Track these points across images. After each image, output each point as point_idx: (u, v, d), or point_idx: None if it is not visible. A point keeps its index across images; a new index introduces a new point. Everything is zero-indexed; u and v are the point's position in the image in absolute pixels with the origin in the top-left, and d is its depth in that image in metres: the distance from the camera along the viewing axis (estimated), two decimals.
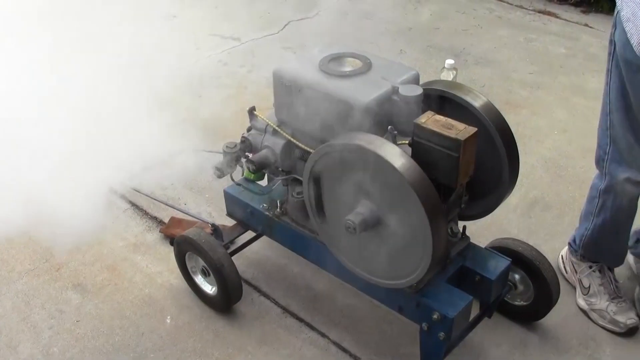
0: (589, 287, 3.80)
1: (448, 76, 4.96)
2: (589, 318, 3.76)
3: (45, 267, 4.13)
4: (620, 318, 3.66)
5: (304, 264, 3.93)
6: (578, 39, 6.86)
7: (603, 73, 6.08)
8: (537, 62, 6.40)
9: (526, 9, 7.63)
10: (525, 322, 3.71)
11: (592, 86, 5.95)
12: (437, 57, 6.41)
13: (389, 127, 2.86)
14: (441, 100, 3.03)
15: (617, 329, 3.67)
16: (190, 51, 6.68)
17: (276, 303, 3.87)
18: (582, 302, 3.81)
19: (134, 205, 4.61)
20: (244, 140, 3.47)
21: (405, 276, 2.90)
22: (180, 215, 4.40)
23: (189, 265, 3.80)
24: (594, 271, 3.82)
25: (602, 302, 3.72)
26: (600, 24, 7.20)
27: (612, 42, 3.26)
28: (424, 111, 2.85)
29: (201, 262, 3.70)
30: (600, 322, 3.72)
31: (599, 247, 3.80)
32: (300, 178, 3.21)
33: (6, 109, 4.68)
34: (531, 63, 6.38)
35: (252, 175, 3.63)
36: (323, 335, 3.68)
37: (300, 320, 3.77)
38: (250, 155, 3.43)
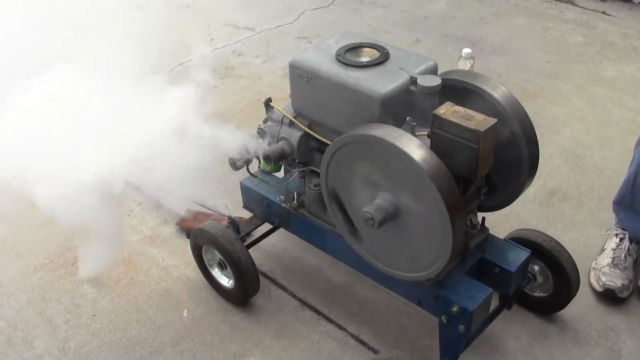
0: (605, 248, 3.92)
1: (465, 65, 4.93)
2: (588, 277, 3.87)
3: (60, 260, 4.12)
4: (604, 278, 3.74)
5: (322, 256, 3.91)
6: (595, 27, 6.80)
7: (621, 61, 6.07)
8: (554, 50, 6.35)
9: None
10: (545, 313, 3.68)
11: (610, 75, 5.90)
12: (453, 46, 6.36)
13: (408, 118, 2.83)
14: (459, 90, 2.99)
15: (596, 287, 3.77)
16: (204, 42, 6.65)
17: (293, 296, 3.85)
18: (593, 263, 3.91)
19: (149, 197, 4.59)
20: (260, 131, 3.44)
21: (424, 269, 2.87)
22: (196, 208, 4.38)
23: (205, 259, 3.79)
24: (616, 235, 3.93)
25: (603, 262, 3.82)
26: (618, 12, 7.12)
27: None
28: (442, 102, 2.81)
29: (218, 255, 3.68)
30: (591, 280, 3.84)
31: (620, 205, 3.93)
32: (318, 170, 3.18)
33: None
34: (548, 52, 6.33)
35: (269, 167, 3.60)
36: (341, 328, 3.66)
37: (318, 313, 3.75)
38: (267, 147, 3.40)
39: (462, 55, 4.98)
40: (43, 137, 4.59)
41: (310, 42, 6.55)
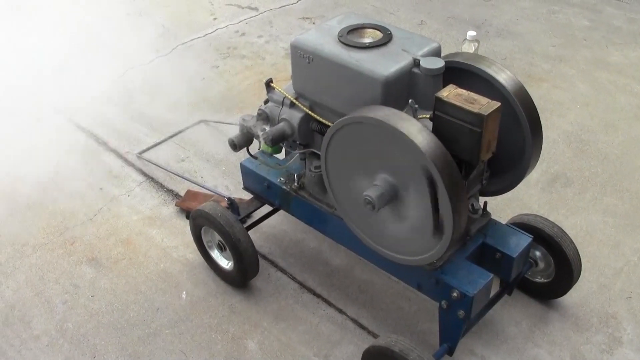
0: None
1: (470, 48, 4.89)
2: None
3: (59, 240, 4.10)
4: None
5: (321, 239, 3.89)
6: (602, 11, 6.75)
7: (627, 46, 6.03)
8: (559, 34, 6.30)
9: None
10: (546, 299, 3.66)
11: (615, 59, 5.86)
12: (458, 29, 6.32)
13: (410, 100, 2.80)
14: (463, 73, 2.95)
15: None
16: (207, 21, 6.62)
17: (293, 278, 3.83)
18: None
19: (149, 178, 4.57)
20: (261, 112, 3.40)
21: (425, 253, 2.84)
22: (196, 189, 4.36)
23: (204, 240, 3.76)
24: None
25: None
26: None
27: None
28: (445, 84, 2.77)
29: (217, 237, 3.65)
30: None
31: None
32: (318, 152, 3.15)
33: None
34: (553, 35, 6.28)
35: (269, 148, 3.57)
36: (340, 311, 3.64)
37: (317, 296, 3.73)
38: (267, 128, 3.36)
39: (467, 37, 4.94)
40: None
41: (314, 23, 6.51)
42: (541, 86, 5.48)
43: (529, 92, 2.94)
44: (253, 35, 6.38)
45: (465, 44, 4.97)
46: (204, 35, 6.36)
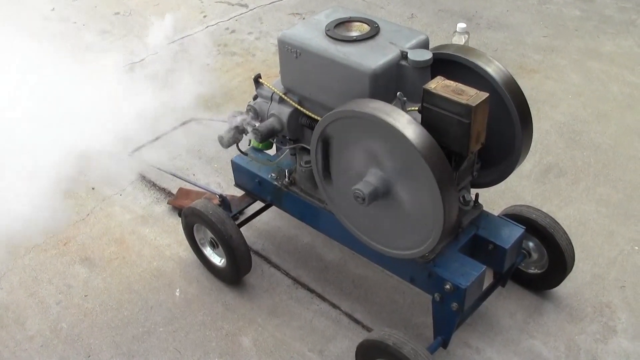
0: None
1: (460, 40, 4.88)
2: None
3: (52, 241, 4.10)
4: None
5: (315, 234, 3.88)
6: (593, 0, 6.73)
7: (619, 35, 6.01)
8: (550, 25, 6.29)
9: None
10: (540, 290, 3.65)
11: (608, 49, 5.85)
12: (449, 22, 6.30)
13: (398, 93, 2.79)
14: (452, 65, 2.94)
15: None
16: (197, 19, 6.60)
17: (287, 274, 3.82)
18: None
19: (141, 176, 4.56)
20: (250, 108, 3.39)
21: (416, 246, 2.83)
22: (189, 187, 4.35)
23: (197, 237, 3.76)
24: None
25: None
26: None
27: None
28: (434, 76, 2.76)
29: (209, 234, 3.65)
30: None
31: None
32: (308, 147, 3.14)
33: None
34: (545, 26, 6.27)
35: (260, 144, 3.56)
36: (334, 306, 3.64)
37: (311, 291, 3.72)
38: (257, 124, 3.35)
39: (457, 30, 4.92)
40: None
41: (304, 18, 6.49)
42: (533, 77, 5.47)
43: (521, 84, 2.93)
44: (243, 32, 6.37)
45: (455, 36, 4.96)
46: (194, 33, 6.35)
